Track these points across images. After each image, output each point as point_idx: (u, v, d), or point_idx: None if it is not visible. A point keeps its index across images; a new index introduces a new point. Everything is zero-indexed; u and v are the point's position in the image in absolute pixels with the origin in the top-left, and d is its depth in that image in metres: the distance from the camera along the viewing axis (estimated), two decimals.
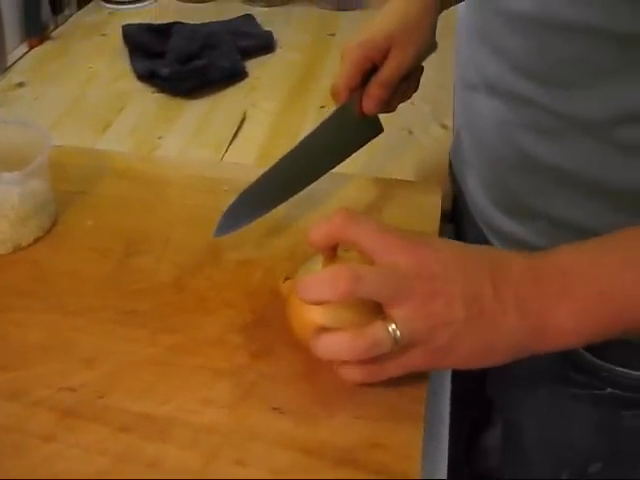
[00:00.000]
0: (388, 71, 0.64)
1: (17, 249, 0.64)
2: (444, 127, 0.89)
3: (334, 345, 0.47)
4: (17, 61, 0.99)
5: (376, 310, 0.48)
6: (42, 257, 0.64)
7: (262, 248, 0.65)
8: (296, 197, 0.70)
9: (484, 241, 0.69)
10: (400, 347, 0.46)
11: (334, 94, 0.65)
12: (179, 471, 0.48)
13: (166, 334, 0.57)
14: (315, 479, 0.47)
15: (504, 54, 0.57)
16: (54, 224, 0.67)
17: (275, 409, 0.52)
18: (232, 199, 0.67)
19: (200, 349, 0.56)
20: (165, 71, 0.89)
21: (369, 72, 0.64)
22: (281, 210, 0.69)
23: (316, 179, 0.65)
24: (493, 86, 0.60)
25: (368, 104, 0.64)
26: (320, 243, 0.50)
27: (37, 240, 0.65)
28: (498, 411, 0.78)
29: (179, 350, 0.56)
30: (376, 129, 0.68)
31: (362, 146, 0.67)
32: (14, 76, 0.94)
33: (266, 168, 0.64)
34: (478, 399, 0.77)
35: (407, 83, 0.67)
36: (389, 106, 0.68)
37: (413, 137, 0.87)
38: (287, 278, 0.56)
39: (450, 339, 0.46)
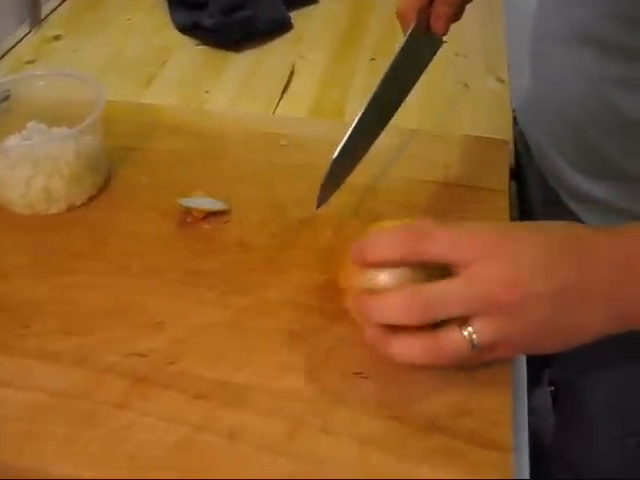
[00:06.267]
0: None
1: (71, 208, 0.61)
2: (501, 81, 0.84)
3: (406, 348, 0.44)
4: (51, 13, 0.95)
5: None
6: (98, 217, 0.61)
7: (326, 205, 0.62)
8: None
9: (556, 202, 0.65)
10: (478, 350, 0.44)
11: (400, 16, 0.59)
12: (263, 440, 0.45)
13: (236, 295, 0.54)
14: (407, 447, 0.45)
15: None
16: (107, 182, 0.64)
17: (357, 374, 0.49)
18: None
19: (272, 311, 0.53)
20: (209, 22, 0.85)
21: None
22: None
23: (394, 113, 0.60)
24: (583, 34, 0.56)
25: (438, 23, 0.59)
26: (381, 263, 0.46)
27: (91, 199, 0.62)
28: (560, 375, 0.76)
29: (251, 312, 0.53)
30: (438, 42, 0.62)
31: (428, 64, 0.62)
32: (50, 29, 0.90)
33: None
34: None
35: None
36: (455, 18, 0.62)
37: (469, 91, 0.83)
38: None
39: (536, 336, 0.44)
